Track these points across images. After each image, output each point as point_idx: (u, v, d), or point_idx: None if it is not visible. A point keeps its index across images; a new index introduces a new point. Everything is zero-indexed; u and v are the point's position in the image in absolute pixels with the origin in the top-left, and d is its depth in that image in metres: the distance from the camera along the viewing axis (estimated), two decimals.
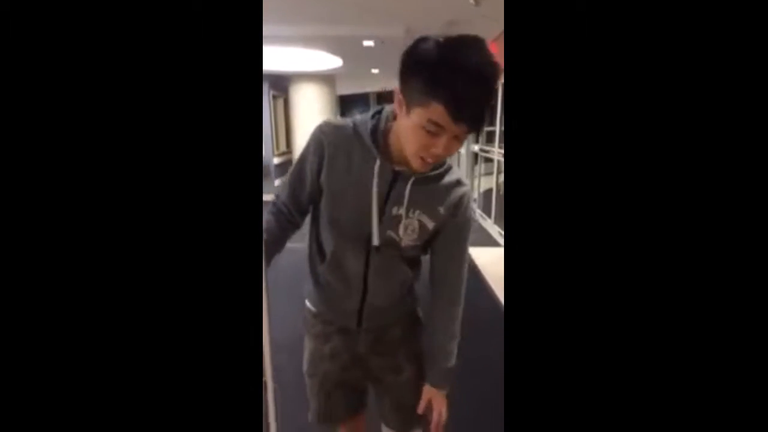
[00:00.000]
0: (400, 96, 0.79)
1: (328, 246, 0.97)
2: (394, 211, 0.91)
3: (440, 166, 0.91)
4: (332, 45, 5.15)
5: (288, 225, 1.02)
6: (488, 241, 4.86)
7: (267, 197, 0.89)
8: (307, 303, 1.09)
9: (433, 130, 0.76)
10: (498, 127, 4.93)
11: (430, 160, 0.81)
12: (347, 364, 1.07)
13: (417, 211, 0.91)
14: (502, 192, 5.49)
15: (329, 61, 6.12)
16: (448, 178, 0.93)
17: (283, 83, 7.55)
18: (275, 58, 5.61)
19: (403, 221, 0.91)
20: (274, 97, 7.71)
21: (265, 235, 0.93)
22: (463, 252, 1.01)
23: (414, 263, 1.02)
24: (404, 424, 1.09)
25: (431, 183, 0.91)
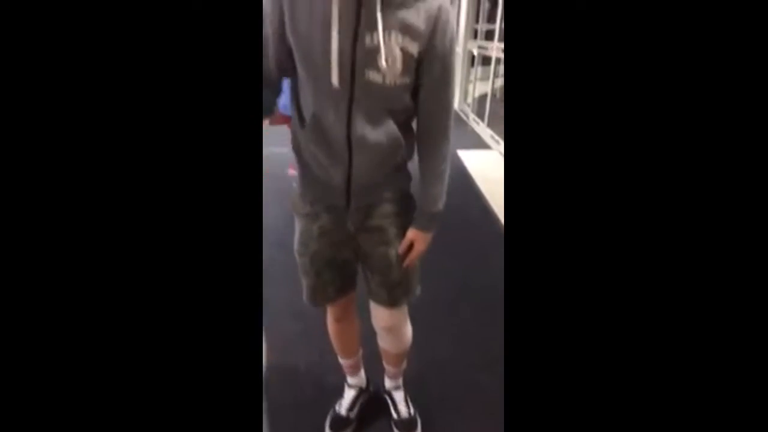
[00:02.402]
0: None
1: (308, 107, 0.90)
2: (368, 41, 0.81)
3: None
4: None
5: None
6: (480, 144, 4.84)
7: None
8: (294, 185, 1.06)
9: None
10: (498, 26, 4.72)
11: None
12: (336, 241, 1.05)
13: (394, 34, 0.81)
14: (498, 96, 5.37)
15: None
16: None
17: None
18: None
19: (383, 50, 0.81)
20: None
21: None
22: (450, 83, 0.93)
23: (403, 126, 0.95)
24: (392, 299, 1.09)
25: None
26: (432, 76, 0.90)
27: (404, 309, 1.18)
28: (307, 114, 0.91)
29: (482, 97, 5.54)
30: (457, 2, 5.71)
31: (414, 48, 0.84)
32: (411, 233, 1.04)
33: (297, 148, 0.98)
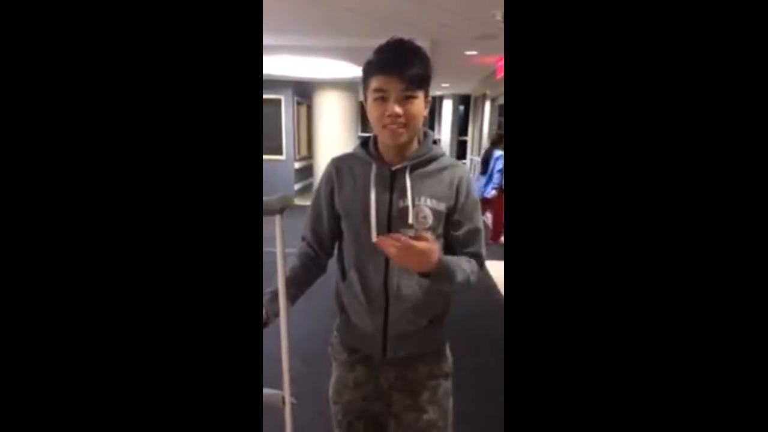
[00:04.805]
0: (363, 101, 0.99)
1: (350, 262, 1.04)
2: (401, 204, 0.98)
3: (430, 152, 1.01)
4: (357, 56, 5.26)
5: (313, 265, 1.10)
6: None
7: (300, 201, 1.01)
8: (335, 332, 1.15)
9: (380, 96, 0.92)
10: None
11: (393, 126, 0.93)
12: (369, 395, 1.09)
13: (423, 198, 0.98)
14: None
15: (353, 71, 6.23)
16: (442, 163, 1.02)
17: (307, 90, 7.71)
18: (301, 66, 5.76)
19: (412, 211, 0.97)
20: (298, 104, 7.88)
21: (289, 273, 1.01)
22: (479, 226, 1.05)
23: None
24: None
25: (428, 167, 1.01)
26: (462, 224, 1.03)
27: None
28: (349, 268, 1.04)
29: None
30: (480, 118, 6.13)
31: (441, 206, 1.00)
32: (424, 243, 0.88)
33: (339, 299, 1.10)
